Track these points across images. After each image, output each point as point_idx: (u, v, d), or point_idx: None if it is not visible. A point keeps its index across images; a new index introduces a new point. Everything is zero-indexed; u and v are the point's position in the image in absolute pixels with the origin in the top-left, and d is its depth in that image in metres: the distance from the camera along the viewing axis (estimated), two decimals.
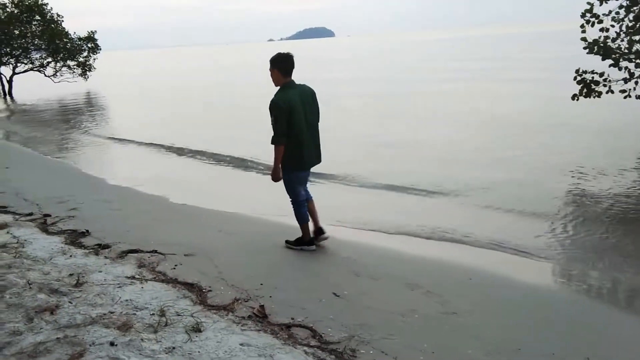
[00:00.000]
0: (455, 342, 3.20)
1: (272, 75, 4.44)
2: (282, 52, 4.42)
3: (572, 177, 7.49)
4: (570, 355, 3.12)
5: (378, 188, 7.40)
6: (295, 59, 4.45)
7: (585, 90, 8.50)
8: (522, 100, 15.40)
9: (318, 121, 4.61)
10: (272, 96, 4.34)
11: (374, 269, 4.38)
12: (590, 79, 8.43)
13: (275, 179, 4.58)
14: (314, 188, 7.43)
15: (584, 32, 8.14)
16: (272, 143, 4.40)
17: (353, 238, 5.39)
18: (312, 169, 4.71)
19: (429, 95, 18.28)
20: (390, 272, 4.33)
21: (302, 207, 4.71)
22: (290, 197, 4.73)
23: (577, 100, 8.62)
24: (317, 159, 4.65)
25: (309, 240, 4.78)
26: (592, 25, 8.13)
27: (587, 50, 8.28)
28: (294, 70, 4.41)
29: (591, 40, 8.14)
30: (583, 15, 8.16)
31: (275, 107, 4.28)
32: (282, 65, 4.35)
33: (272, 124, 4.35)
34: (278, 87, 4.43)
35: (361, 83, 24.37)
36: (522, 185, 7.20)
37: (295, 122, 4.32)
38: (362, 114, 15.37)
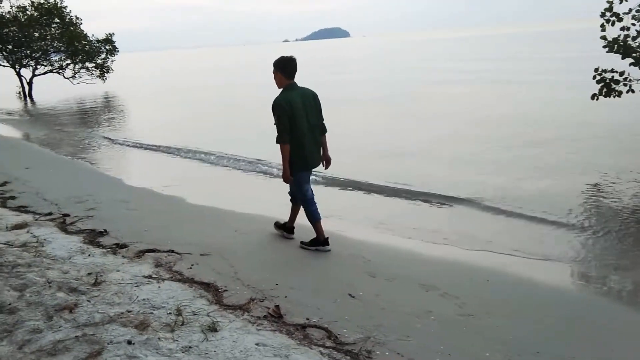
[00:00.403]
0: (472, 344, 3.17)
1: (275, 77, 4.57)
2: (285, 55, 4.52)
3: (590, 177, 7.37)
4: (590, 359, 3.07)
5: (392, 190, 7.36)
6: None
7: (605, 89, 8.36)
8: (538, 101, 15.22)
9: (320, 122, 4.67)
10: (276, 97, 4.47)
11: (389, 270, 4.36)
12: (610, 78, 8.29)
13: (285, 178, 4.64)
14: (328, 189, 7.47)
15: (603, 30, 8.01)
16: (276, 142, 4.50)
17: (368, 239, 5.37)
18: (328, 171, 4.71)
19: (440, 96, 18.15)
20: (405, 274, 4.31)
21: (312, 204, 4.77)
22: (299, 196, 4.79)
23: (597, 99, 8.49)
24: (319, 160, 4.72)
25: (324, 240, 4.79)
26: (612, 24, 8.00)
27: (607, 49, 8.15)
28: (296, 73, 4.52)
29: (611, 39, 8.01)
30: (603, 15, 8.03)
31: (278, 107, 4.41)
32: (284, 68, 4.48)
33: (275, 123, 4.45)
34: (281, 89, 4.54)
35: (373, 84, 24.30)
36: (539, 187, 7.10)
37: (297, 123, 4.42)
38: (376, 114, 15.32)
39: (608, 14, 7.99)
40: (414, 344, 3.14)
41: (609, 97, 8.40)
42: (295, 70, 4.50)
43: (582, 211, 6.08)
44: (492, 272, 4.42)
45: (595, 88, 8.42)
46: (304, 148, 4.51)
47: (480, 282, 4.16)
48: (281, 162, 4.57)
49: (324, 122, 4.71)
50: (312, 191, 4.82)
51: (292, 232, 5.13)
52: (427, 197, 6.88)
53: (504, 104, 15.09)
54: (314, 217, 4.77)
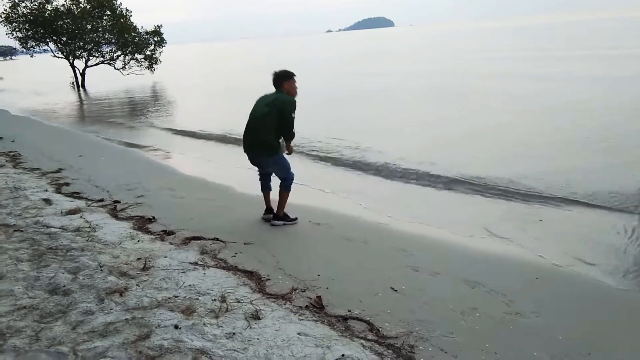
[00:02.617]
0: (519, 343, 3.07)
1: None
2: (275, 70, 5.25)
3: None
4: None
5: (438, 180, 7.23)
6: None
7: None
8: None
9: (266, 118, 5.04)
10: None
11: (433, 265, 4.28)
12: None
13: None
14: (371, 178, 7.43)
15: None
16: None
17: (412, 232, 5.30)
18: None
19: (493, 83, 17.66)
20: (449, 269, 4.22)
21: (261, 179, 5.54)
22: None
23: None
24: (251, 147, 5.19)
25: (267, 209, 5.56)
26: None
27: None
28: (277, 84, 5.15)
29: None
30: None
31: None
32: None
33: None
34: None
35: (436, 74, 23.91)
36: (595, 179, 6.79)
37: (249, 116, 5.20)
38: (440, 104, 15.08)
39: None
40: (458, 340, 3.07)
41: None
42: (275, 82, 5.15)
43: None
44: (541, 270, 4.26)
45: None
46: (244, 134, 5.24)
47: (528, 280, 4.02)
48: None
49: (291, 130, 5.15)
50: (259, 174, 5.52)
51: (269, 213, 5.48)
52: (477, 190, 6.72)
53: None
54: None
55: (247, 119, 5.18)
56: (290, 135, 5.19)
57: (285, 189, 5.28)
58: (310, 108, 14.26)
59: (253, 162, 5.34)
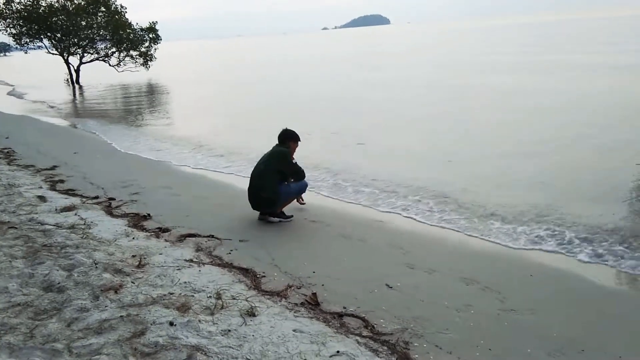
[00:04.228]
0: (513, 340, 3.09)
1: None
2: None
3: None
4: (638, 358, 2.95)
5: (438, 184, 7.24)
6: None
7: None
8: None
9: (269, 169, 5.28)
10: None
11: (429, 262, 4.30)
12: None
13: None
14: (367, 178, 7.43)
15: None
16: None
17: (408, 230, 5.31)
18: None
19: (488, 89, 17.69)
20: (445, 266, 4.24)
21: None
22: None
23: None
24: (256, 206, 5.40)
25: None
26: None
27: None
28: (281, 138, 5.49)
29: None
30: None
31: None
32: None
33: None
34: None
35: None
36: (593, 179, 6.82)
37: (251, 175, 5.50)
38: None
39: None
40: (453, 337, 3.09)
41: None
42: (281, 136, 5.49)
43: (633, 206, 5.81)
44: (535, 268, 4.28)
45: None
46: (248, 194, 5.44)
47: (522, 277, 4.05)
48: None
49: (299, 172, 5.45)
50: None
51: (265, 214, 5.53)
52: (473, 191, 6.73)
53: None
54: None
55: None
56: (301, 176, 5.48)
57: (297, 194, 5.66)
58: (307, 110, 14.30)
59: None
